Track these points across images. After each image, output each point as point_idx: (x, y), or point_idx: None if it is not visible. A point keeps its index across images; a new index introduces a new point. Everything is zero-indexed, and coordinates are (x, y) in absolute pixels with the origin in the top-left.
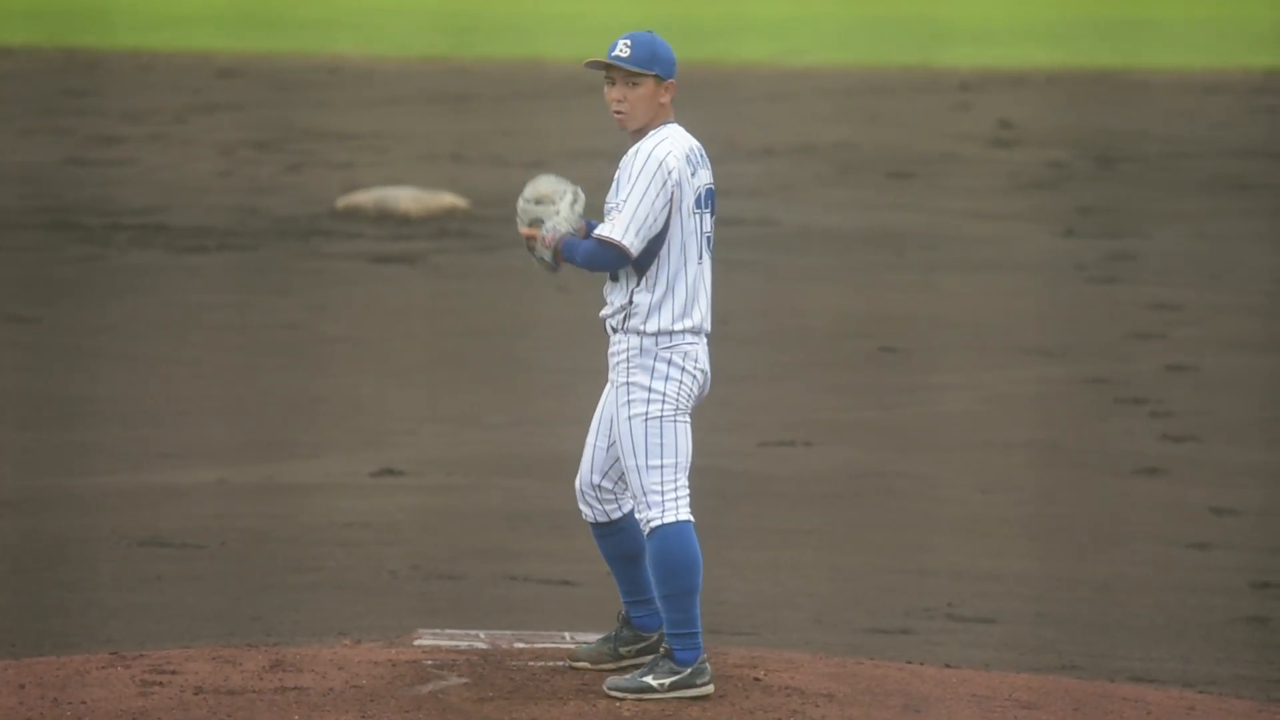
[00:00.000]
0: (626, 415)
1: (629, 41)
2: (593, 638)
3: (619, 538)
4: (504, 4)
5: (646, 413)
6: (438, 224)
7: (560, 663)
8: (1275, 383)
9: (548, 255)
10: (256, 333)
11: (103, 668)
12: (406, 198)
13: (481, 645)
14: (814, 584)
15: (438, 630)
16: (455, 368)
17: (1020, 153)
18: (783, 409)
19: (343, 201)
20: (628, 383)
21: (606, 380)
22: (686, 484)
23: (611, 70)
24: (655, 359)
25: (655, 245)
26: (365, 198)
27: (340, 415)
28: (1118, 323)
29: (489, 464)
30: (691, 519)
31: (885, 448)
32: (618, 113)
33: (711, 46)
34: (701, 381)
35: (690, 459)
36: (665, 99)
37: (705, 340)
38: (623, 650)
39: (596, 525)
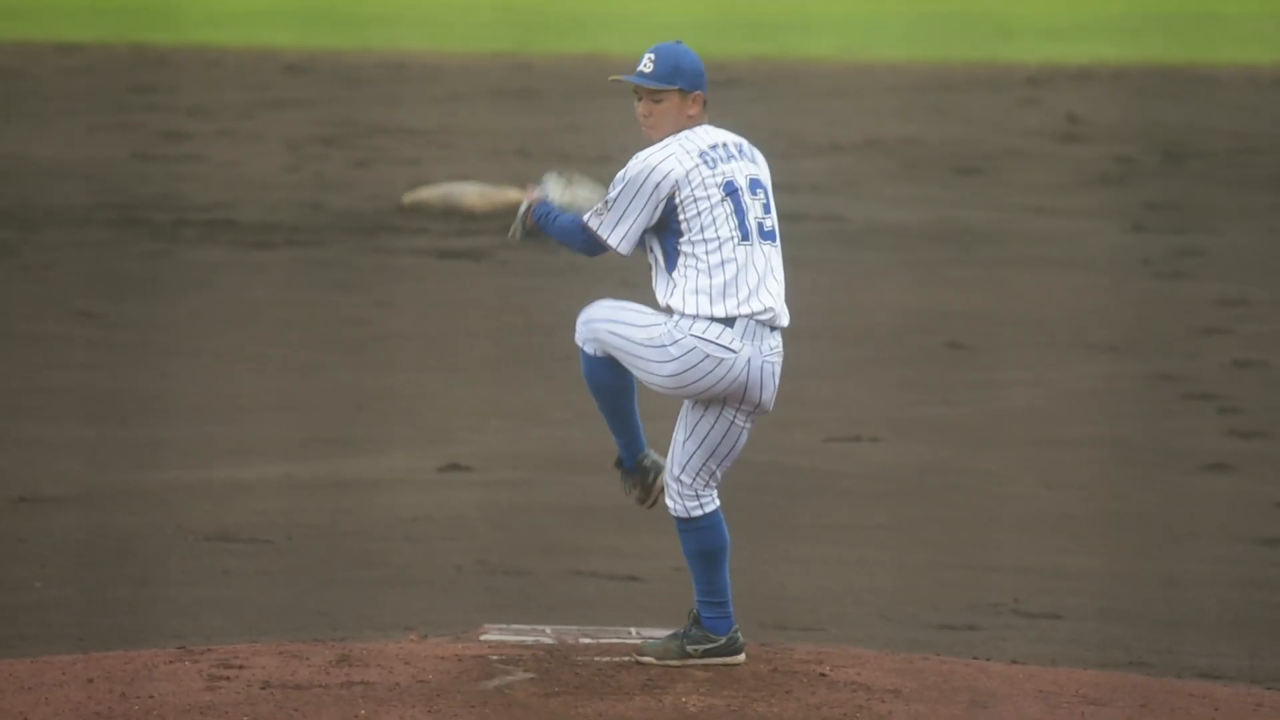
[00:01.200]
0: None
1: (653, 56)
2: (659, 633)
3: (698, 535)
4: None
5: (664, 373)
6: (504, 219)
7: (626, 658)
8: None
9: (521, 209)
10: (322, 329)
11: (170, 662)
12: (472, 193)
13: (547, 641)
14: (880, 580)
15: (504, 625)
16: (520, 363)
17: (1087, 148)
18: (849, 405)
19: (409, 197)
20: (659, 362)
21: None
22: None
23: (636, 86)
24: (685, 338)
25: (672, 241)
26: (431, 193)
27: (406, 411)
28: (1185, 319)
29: (554, 459)
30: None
31: (951, 444)
32: (646, 128)
33: (777, 42)
34: (744, 368)
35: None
36: (693, 110)
37: (763, 326)
38: (689, 649)
39: (677, 519)
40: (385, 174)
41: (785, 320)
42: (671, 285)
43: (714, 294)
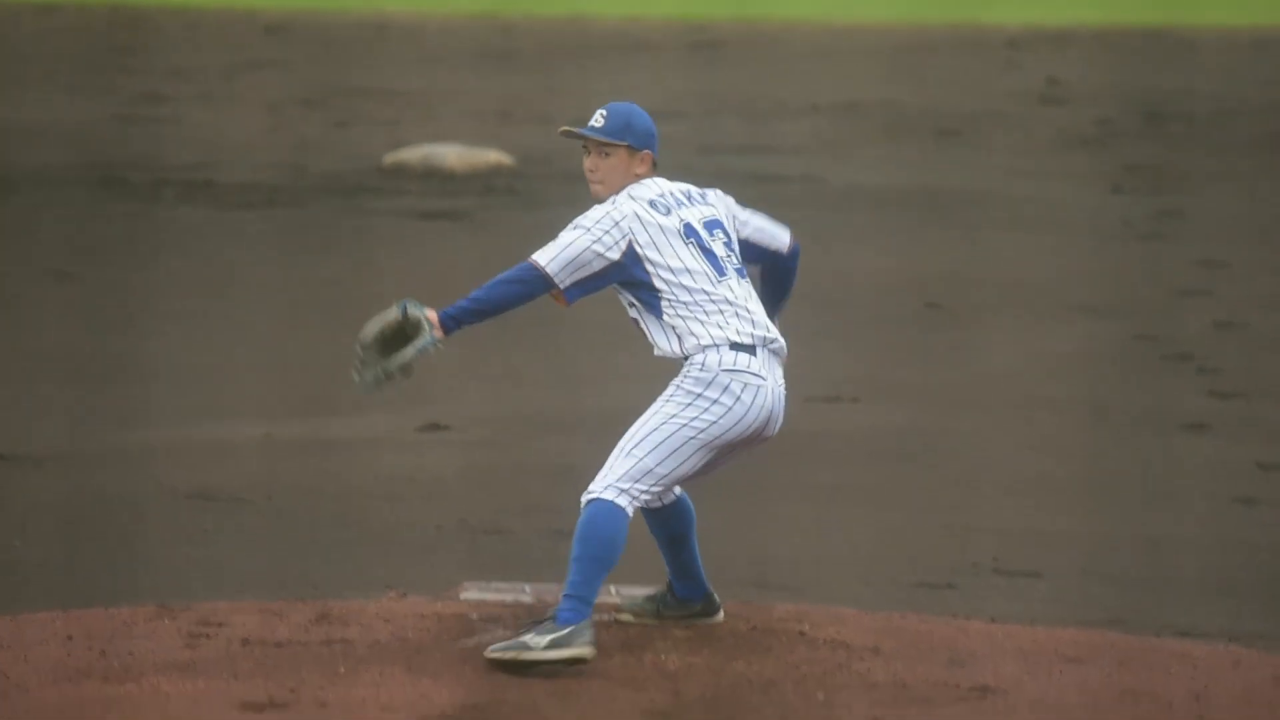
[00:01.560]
0: (665, 401)
1: (604, 112)
2: (638, 593)
3: (663, 519)
4: None
5: (676, 415)
6: (483, 181)
7: (605, 616)
8: None
9: (428, 335)
10: (302, 290)
11: (150, 620)
12: (452, 155)
13: (527, 599)
14: (859, 540)
15: (483, 584)
16: (500, 324)
17: (1067, 110)
18: (829, 366)
19: (389, 158)
20: (682, 391)
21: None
22: (651, 493)
23: (586, 140)
24: (701, 373)
25: (648, 295)
26: (411, 155)
27: None
28: (1164, 280)
29: (534, 420)
30: (630, 514)
31: (931, 405)
32: (592, 182)
33: (758, 4)
34: (748, 405)
35: (680, 479)
36: (640, 169)
37: (774, 356)
38: (665, 612)
39: (647, 510)
40: (365, 135)
41: (786, 352)
42: (672, 330)
43: (724, 320)
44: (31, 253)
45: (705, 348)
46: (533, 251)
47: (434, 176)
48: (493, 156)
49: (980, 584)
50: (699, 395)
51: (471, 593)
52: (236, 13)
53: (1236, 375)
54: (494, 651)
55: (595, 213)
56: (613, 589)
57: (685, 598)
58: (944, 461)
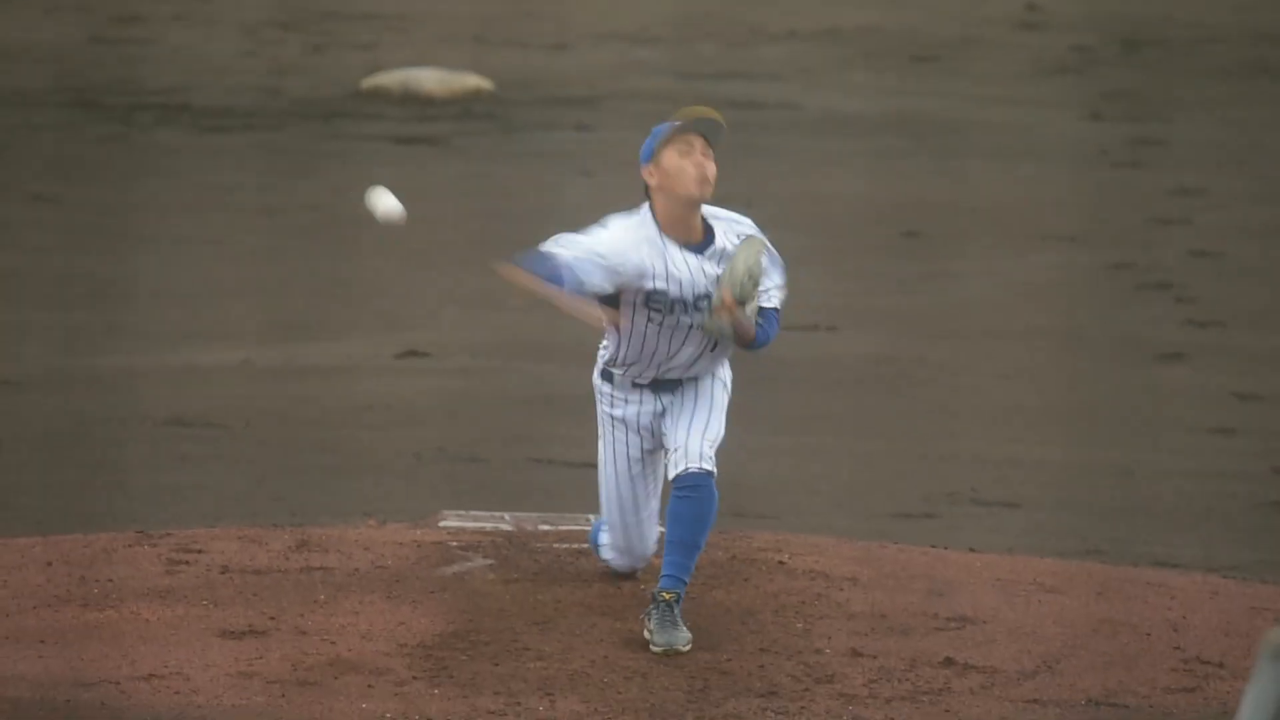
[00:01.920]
0: (722, 387)
1: (718, 113)
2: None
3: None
4: None
5: (728, 388)
6: (462, 105)
7: (584, 545)
8: None
9: (727, 327)
10: (280, 214)
11: (129, 546)
12: (430, 79)
13: (506, 527)
14: (836, 469)
15: (462, 512)
16: (478, 250)
17: (1045, 36)
18: (804, 294)
19: (366, 82)
20: (723, 378)
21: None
22: None
23: (702, 137)
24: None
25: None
26: (389, 79)
27: (363, 297)
28: (1141, 208)
29: (512, 347)
30: None
31: (907, 334)
32: (707, 179)
33: None
34: None
35: None
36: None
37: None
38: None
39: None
40: (342, 59)
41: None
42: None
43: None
44: (8, 175)
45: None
46: (505, 173)
47: (412, 101)
48: (471, 81)
49: (958, 513)
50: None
51: (450, 520)
52: None
53: (1213, 304)
54: (674, 646)
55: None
56: (590, 517)
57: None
58: (921, 390)
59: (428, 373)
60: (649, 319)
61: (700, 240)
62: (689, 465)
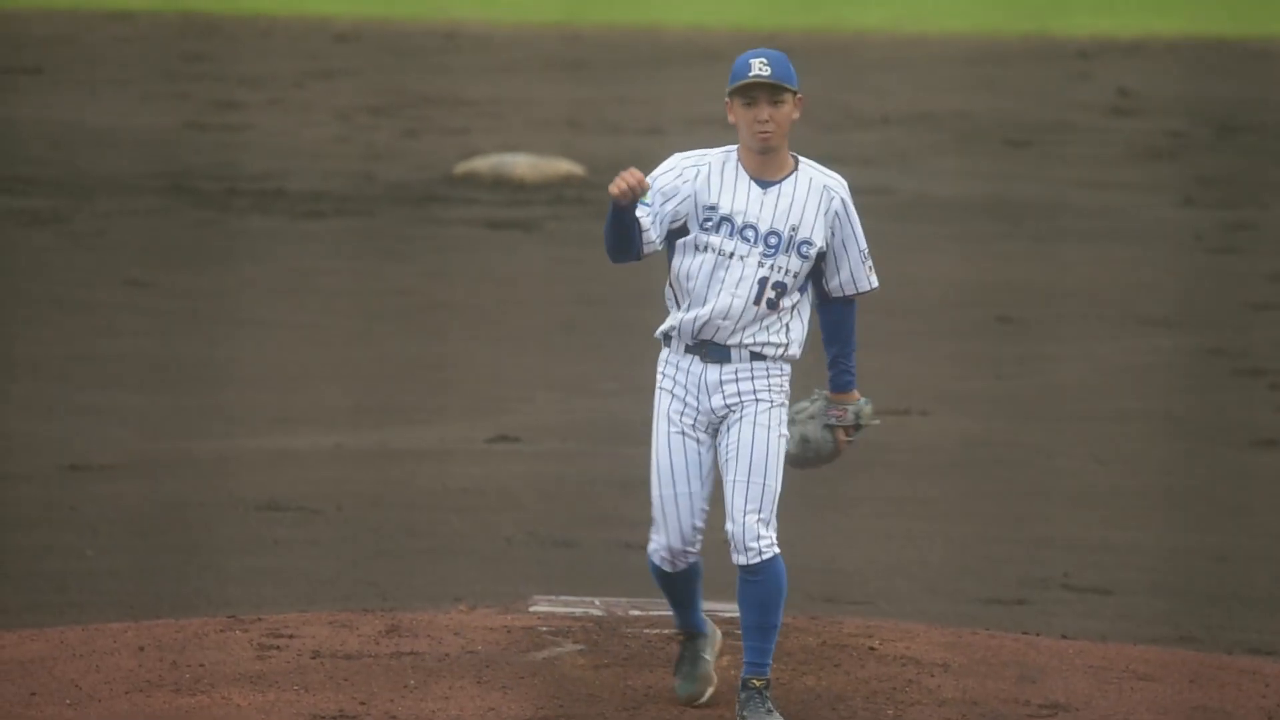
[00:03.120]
0: (778, 432)
1: (765, 60)
2: (711, 606)
3: (696, 566)
4: None
5: (784, 434)
6: (554, 190)
7: (674, 630)
8: None
9: (864, 414)
10: (372, 298)
11: (220, 631)
12: (523, 164)
13: (596, 612)
14: (929, 554)
15: (553, 597)
16: (569, 334)
17: (1138, 121)
18: (898, 378)
19: (459, 167)
20: (781, 404)
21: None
22: None
23: (754, 91)
24: (787, 383)
25: (804, 284)
26: (482, 164)
27: (455, 381)
28: (1236, 293)
29: (602, 431)
30: None
31: (1001, 417)
32: (762, 132)
33: (829, 12)
34: None
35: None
36: (796, 115)
37: None
38: (707, 658)
39: (686, 571)
40: (435, 144)
41: None
42: (797, 328)
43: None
44: (106, 260)
45: (794, 356)
46: (596, 257)
47: (504, 186)
48: (563, 166)
49: (1050, 599)
50: (785, 401)
51: (541, 605)
52: (308, 20)
53: None
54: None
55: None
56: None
57: (703, 625)
58: (1014, 474)
59: (518, 456)
60: (698, 245)
61: (779, 178)
62: (749, 560)
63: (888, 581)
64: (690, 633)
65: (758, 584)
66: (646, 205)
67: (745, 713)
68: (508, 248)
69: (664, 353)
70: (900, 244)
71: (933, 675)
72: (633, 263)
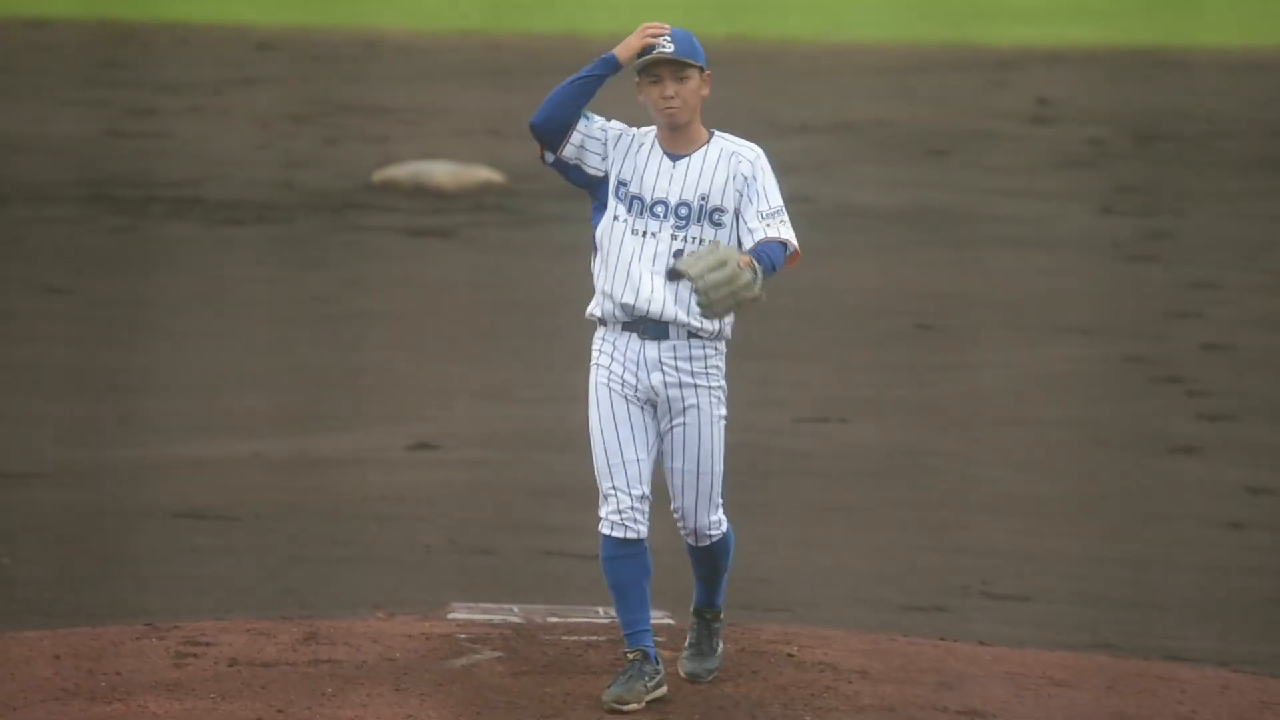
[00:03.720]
0: (719, 415)
1: (669, 36)
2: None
3: (645, 554)
4: None
5: (726, 415)
6: (473, 198)
7: (594, 637)
8: None
9: (755, 283)
10: (291, 306)
11: (137, 639)
12: (442, 172)
13: (515, 619)
14: (848, 561)
15: (471, 604)
16: (489, 342)
17: (1058, 130)
18: (818, 386)
19: (379, 175)
20: (721, 386)
21: (628, 387)
22: None
23: (658, 68)
24: (723, 362)
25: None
26: (401, 172)
27: (375, 388)
28: (1154, 301)
29: (523, 438)
30: None
31: (921, 425)
32: (668, 109)
33: (749, 22)
34: None
35: None
36: (705, 91)
37: None
38: (649, 685)
39: (634, 543)
40: (355, 152)
41: None
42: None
43: None
44: (22, 268)
45: (726, 336)
46: (516, 265)
47: (424, 193)
48: (483, 174)
49: (969, 606)
50: (722, 383)
51: (459, 613)
52: (227, 28)
53: (1226, 397)
54: (710, 674)
55: (770, 161)
56: (600, 609)
57: (655, 660)
58: (933, 481)
59: (438, 464)
60: (615, 215)
61: (689, 151)
62: (703, 544)
63: (807, 588)
64: (643, 653)
65: (707, 550)
66: (590, 118)
67: (688, 655)
68: (427, 255)
69: (600, 331)
70: (820, 252)
71: (851, 682)
72: (539, 148)
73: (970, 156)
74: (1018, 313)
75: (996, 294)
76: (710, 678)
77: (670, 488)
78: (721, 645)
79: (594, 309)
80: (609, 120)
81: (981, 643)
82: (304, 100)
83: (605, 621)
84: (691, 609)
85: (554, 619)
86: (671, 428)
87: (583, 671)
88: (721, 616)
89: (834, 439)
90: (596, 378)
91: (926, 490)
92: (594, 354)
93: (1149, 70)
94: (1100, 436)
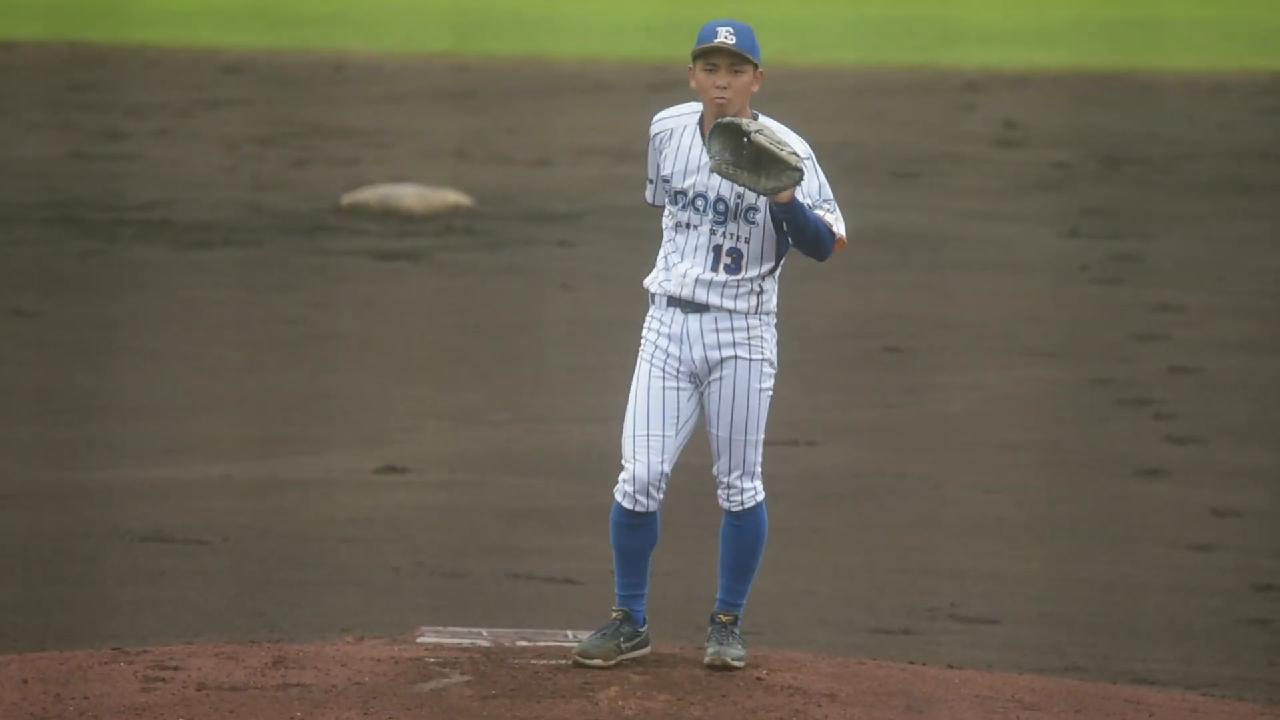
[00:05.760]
0: (759, 388)
1: (731, 29)
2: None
3: (654, 525)
4: (510, 1)
5: (771, 388)
6: (442, 221)
7: (562, 660)
8: (1278, 385)
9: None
10: (260, 329)
11: (105, 663)
12: (410, 195)
13: (484, 643)
14: (816, 584)
15: (440, 628)
16: (458, 364)
17: (1025, 153)
18: (785, 408)
19: (347, 198)
20: (763, 359)
21: (642, 372)
22: None
23: (716, 57)
24: (773, 336)
25: (774, 255)
26: (370, 194)
27: (343, 411)
28: (1121, 324)
29: (491, 461)
30: None
31: (888, 448)
32: (717, 98)
33: None
34: None
35: None
36: (755, 88)
37: None
38: (624, 645)
39: (645, 515)
40: (323, 175)
41: None
42: (770, 280)
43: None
44: None
45: (771, 309)
46: (485, 288)
47: (392, 216)
48: (451, 197)
49: (937, 629)
50: (775, 351)
51: (428, 636)
52: (196, 51)
53: (1193, 420)
54: (740, 660)
55: (810, 149)
56: (568, 633)
57: (638, 620)
58: (901, 504)
59: (407, 487)
60: (670, 199)
61: None
62: (734, 508)
63: (775, 611)
64: (626, 614)
65: (740, 528)
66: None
67: (710, 642)
68: (395, 278)
69: (651, 306)
70: (787, 274)
71: (819, 705)
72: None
73: (938, 179)
74: (985, 335)
75: (964, 316)
76: (739, 663)
77: (711, 449)
78: (744, 647)
79: (648, 282)
80: (651, 134)
81: (950, 666)
82: (272, 123)
83: (574, 645)
84: (711, 614)
85: (523, 642)
86: (709, 394)
87: (551, 695)
88: (740, 619)
89: (802, 462)
90: (644, 350)
91: (894, 513)
92: (645, 328)
93: (1115, 94)
94: (1067, 459)
